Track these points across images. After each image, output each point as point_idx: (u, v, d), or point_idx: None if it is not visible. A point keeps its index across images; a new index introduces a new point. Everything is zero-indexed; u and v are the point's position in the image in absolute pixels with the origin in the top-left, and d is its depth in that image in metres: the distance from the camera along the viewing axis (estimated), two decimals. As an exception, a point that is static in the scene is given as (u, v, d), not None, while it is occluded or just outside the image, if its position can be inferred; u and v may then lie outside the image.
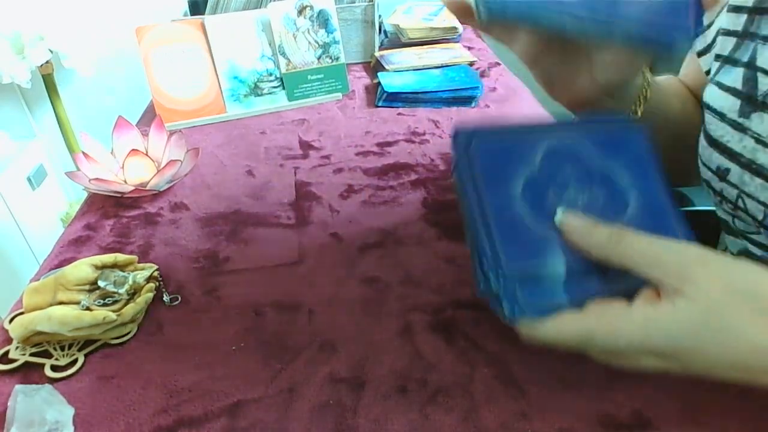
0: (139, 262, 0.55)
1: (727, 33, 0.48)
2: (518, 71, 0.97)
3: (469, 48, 1.14)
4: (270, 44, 0.95)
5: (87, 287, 0.51)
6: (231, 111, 0.93)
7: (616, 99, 0.45)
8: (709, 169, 0.48)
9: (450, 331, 0.48)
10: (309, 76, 0.96)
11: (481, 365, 0.44)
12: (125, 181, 0.72)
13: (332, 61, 0.98)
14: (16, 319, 0.47)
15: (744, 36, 0.46)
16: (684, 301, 0.31)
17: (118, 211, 0.68)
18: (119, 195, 0.69)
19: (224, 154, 0.81)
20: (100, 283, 0.51)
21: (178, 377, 0.45)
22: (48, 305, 0.48)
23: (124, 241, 0.62)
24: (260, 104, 0.94)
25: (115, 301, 0.50)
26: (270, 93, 0.95)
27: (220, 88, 0.92)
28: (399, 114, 0.91)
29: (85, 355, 0.47)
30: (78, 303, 0.49)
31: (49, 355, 0.47)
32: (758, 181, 0.43)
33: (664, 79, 0.58)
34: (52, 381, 0.45)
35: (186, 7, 1.18)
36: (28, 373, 0.46)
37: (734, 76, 0.46)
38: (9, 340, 0.48)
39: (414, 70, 1.01)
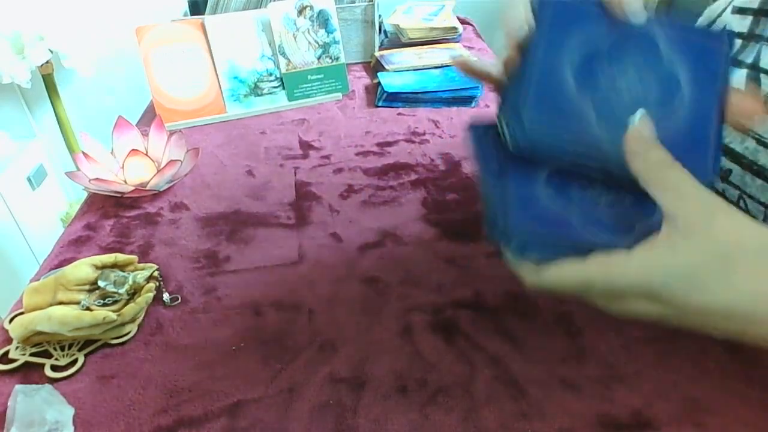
0: (139, 262, 0.55)
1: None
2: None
3: (469, 48, 1.14)
4: (270, 44, 0.95)
5: (87, 287, 0.51)
6: (231, 111, 0.93)
7: None
8: None
9: (450, 331, 0.48)
10: (309, 76, 0.96)
11: (481, 365, 0.44)
12: (125, 181, 0.72)
13: (332, 61, 0.98)
14: (16, 319, 0.47)
15: (749, 38, 0.46)
16: (686, 243, 0.30)
17: (118, 211, 0.68)
18: (119, 195, 0.69)
19: (224, 154, 0.81)
20: (100, 283, 0.51)
21: (178, 377, 0.45)
22: (48, 305, 0.48)
23: (124, 241, 0.62)
24: (260, 104, 0.94)
25: (115, 301, 0.50)
26: (270, 93, 0.95)
27: (220, 88, 0.92)
28: (399, 114, 0.91)
29: (85, 355, 0.47)
30: (78, 303, 0.49)
31: (49, 355, 0.47)
32: (759, 182, 0.43)
33: None
34: (52, 381, 0.45)
35: (186, 7, 1.18)
36: (28, 373, 0.46)
37: (738, 78, 0.46)
38: (9, 340, 0.48)
39: (414, 70, 1.01)
